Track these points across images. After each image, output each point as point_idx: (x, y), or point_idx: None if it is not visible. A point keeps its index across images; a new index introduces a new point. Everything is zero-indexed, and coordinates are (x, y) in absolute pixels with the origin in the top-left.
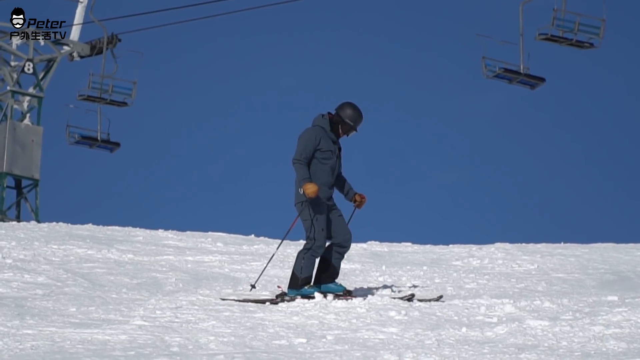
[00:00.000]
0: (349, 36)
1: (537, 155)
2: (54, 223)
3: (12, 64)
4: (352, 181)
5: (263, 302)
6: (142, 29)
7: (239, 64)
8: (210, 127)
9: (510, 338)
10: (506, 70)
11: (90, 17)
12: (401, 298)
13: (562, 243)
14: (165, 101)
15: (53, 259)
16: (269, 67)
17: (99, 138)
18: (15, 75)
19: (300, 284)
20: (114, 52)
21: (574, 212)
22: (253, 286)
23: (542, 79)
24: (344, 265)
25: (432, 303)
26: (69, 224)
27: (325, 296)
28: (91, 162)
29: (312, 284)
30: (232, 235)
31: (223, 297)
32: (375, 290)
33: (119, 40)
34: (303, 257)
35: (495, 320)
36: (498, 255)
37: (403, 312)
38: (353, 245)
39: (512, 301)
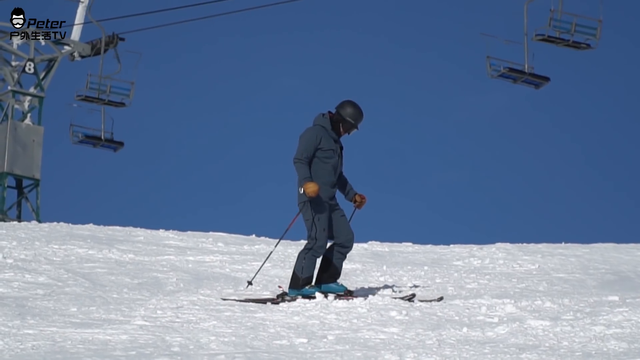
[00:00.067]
0: (349, 36)
1: (537, 155)
2: (55, 223)
3: (13, 63)
4: (352, 181)
5: (264, 302)
6: (142, 29)
7: (239, 64)
8: (210, 127)
9: (511, 338)
10: (511, 69)
11: (89, 17)
12: (402, 298)
13: (563, 243)
14: (165, 101)
15: (54, 258)
16: (269, 67)
17: (102, 137)
18: (16, 75)
19: (301, 284)
20: (117, 50)
21: (575, 212)
22: (250, 283)
23: (547, 79)
24: (345, 265)
25: (433, 303)
26: (70, 224)
27: (326, 296)
28: (92, 162)
29: (313, 284)
30: (233, 235)
31: (224, 297)
32: (376, 290)
33: (121, 39)
34: (304, 257)
35: (496, 320)
36: (499, 255)
37: (404, 312)
38: (354, 245)
39: (513, 301)
